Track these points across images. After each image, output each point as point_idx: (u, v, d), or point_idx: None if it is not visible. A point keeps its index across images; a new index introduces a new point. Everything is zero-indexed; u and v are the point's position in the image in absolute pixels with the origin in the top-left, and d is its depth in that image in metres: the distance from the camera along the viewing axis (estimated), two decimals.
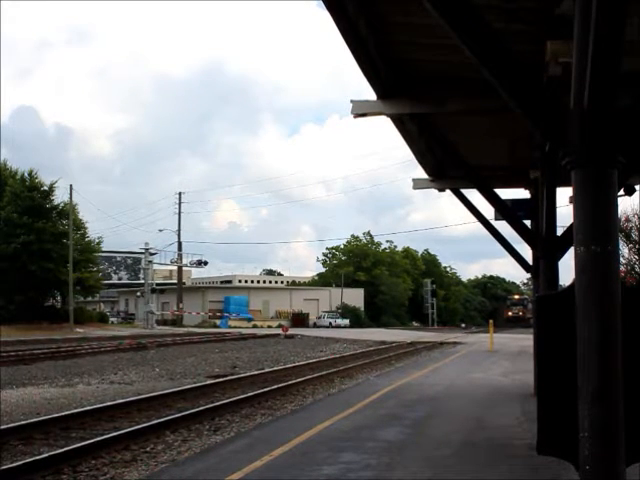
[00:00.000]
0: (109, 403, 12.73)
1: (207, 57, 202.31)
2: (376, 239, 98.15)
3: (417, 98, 9.97)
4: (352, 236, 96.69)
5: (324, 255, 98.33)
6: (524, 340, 33.37)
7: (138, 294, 70.50)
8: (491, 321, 34.70)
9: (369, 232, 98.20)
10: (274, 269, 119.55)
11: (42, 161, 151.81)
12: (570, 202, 12.74)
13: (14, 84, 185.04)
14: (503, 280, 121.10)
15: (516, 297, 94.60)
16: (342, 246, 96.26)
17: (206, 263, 71.41)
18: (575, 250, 3.99)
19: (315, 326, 71.24)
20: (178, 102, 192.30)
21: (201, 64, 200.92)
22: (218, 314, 71.67)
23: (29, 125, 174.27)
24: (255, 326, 66.73)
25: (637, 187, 13.40)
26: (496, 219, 14.38)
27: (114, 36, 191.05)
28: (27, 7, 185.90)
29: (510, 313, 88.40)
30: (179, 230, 73.12)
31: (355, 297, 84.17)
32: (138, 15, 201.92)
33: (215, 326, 65.93)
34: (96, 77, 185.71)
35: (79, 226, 58.58)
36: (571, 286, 4.13)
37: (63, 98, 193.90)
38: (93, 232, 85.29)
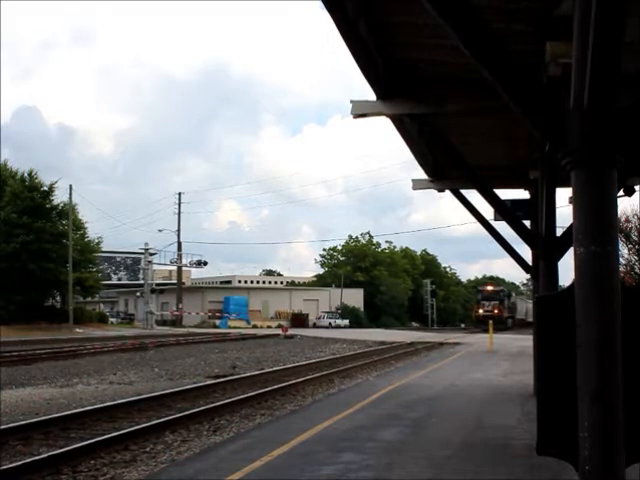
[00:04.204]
0: (109, 403, 12.72)
1: (209, 58, 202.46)
2: (377, 239, 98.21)
3: (417, 98, 9.97)
4: (349, 236, 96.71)
5: (322, 257, 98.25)
6: (524, 341, 33.35)
7: (138, 294, 70.50)
8: (491, 322, 34.67)
9: (368, 232, 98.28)
10: (274, 269, 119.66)
11: (44, 161, 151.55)
12: (570, 202, 12.74)
13: (16, 84, 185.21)
14: (503, 281, 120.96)
15: (489, 289, 72.98)
16: (339, 247, 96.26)
17: (206, 263, 71.48)
18: (575, 250, 4.00)
19: (315, 326, 71.23)
20: (180, 103, 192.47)
21: (203, 65, 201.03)
22: (218, 314, 71.64)
23: (31, 125, 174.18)
24: (255, 326, 66.72)
25: (637, 187, 13.42)
26: (496, 219, 14.38)
27: (117, 36, 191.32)
28: (29, 7, 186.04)
29: (481, 311, 68.27)
30: (179, 230, 73.17)
31: (355, 297, 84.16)
32: (141, 15, 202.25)
33: (215, 326, 65.91)
34: (99, 77, 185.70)
35: (79, 226, 58.60)
36: (571, 286, 4.13)
37: (66, 98, 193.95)
38: (93, 232, 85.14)
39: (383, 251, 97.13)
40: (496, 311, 66.38)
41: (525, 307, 78.32)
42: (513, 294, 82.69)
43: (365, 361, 23.88)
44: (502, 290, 73.92)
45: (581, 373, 3.94)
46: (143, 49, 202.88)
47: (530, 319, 75.50)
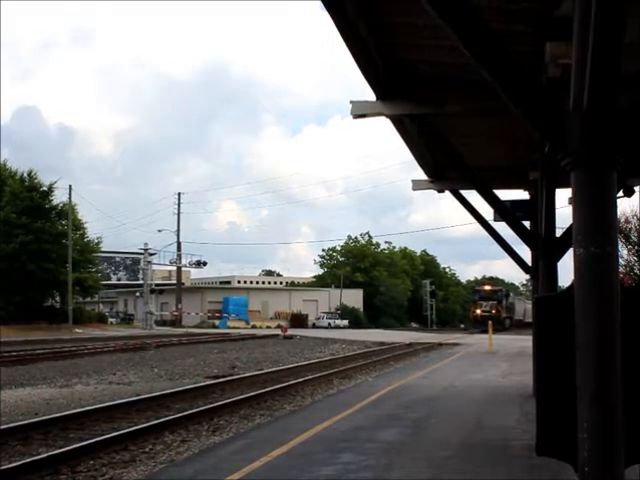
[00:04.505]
0: (108, 403, 12.72)
1: (209, 58, 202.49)
2: (377, 240, 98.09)
3: (416, 99, 9.97)
4: (348, 237, 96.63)
5: (321, 257, 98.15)
6: (523, 341, 33.34)
7: (137, 294, 70.48)
8: (490, 322, 34.63)
9: (367, 233, 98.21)
10: (274, 270, 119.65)
11: (44, 161, 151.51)
12: (569, 203, 12.74)
13: (16, 84, 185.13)
14: (502, 281, 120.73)
15: (487, 288, 72.06)
16: (338, 247, 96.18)
17: (205, 264, 71.41)
18: (574, 251, 4.00)
19: (314, 327, 71.22)
20: (180, 103, 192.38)
21: (203, 65, 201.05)
22: (217, 315, 71.64)
23: (31, 125, 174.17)
24: (254, 327, 66.72)
25: (636, 188, 13.43)
26: (495, 220, 14.37)
27: (117, 36, 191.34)
28: (29, 7, 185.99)
29: (478, 311, 66.76)
30: (178, 230, 73.14)
31: (354, 298, 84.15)
32: (141, 15, 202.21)
33: (214, 327, 65.90)
34: (99, 77, 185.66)
35: (78, 226, 58.61)
36: (570, 287, 4.13)
37: (66, 98, 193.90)
38: (93, 232, 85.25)
39: (382, 251, 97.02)
40: (494, 311, 64.48)
41: (523, 307, 77.40)
42: (511, 294, 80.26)
43: (364, 362, 23.87)
44: (500, 290, 71.98)
45: (580, 374, 3.94)
46: (143, 49, 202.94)
47: (528, 320, 74.38)
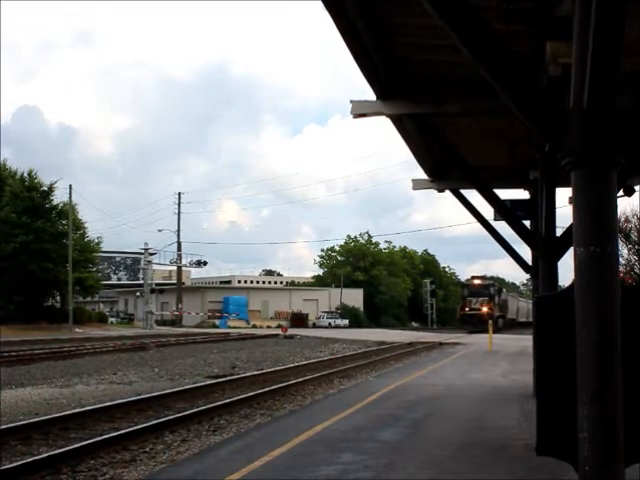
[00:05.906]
0: (108, 403, 12.72)
1: (210, 58, 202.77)
2: (377, 239, 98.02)
3: (416, 99, 9.98)
4: (348, 236, 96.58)
5: (320, 257, 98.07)
6: (524, 341, 33.33)
7: (137, 294, 70.52)
8: (490, 322, 34.64)
9: (367, 232, 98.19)
10: (274, 269, 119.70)
11: (45, 161, 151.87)
12: (570, 203, 12.72)
13: (18, 84, 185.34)
14: (502, 281, 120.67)
15: (477, 282, 62.94)
16: (337, 247, 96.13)
17: (205, 263, 71.44)
18: (574, 251, 4.00)
19: (314, 326, 71.23)
20: (181, 103, 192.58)
21: (204, 65, 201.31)
22: (217, 314, 71.66)
23: (33, 125, 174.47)
24: (254, 326, 66.73)
25: (636, 188, 13.42)
26: (495, 219, 14.37)
27: (117, 36, 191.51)
28: (29, 7, 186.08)
29: (467, 309, 59.76)
30: (178, 230, 73.18)
31: (354, 297, 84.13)
32: (141, 15, 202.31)
33: (214, 326, 65.92)
34: (100, 77, 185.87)
35: (78, 226, 58.60)
36: (570, 287, 4.13)
37: (67, 98, 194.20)
38: (94, 232, 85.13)
39: (381, 251, 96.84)
40: (485, 309, 57.69)
41: (516, 305, 74.46)
42: (504, 290, 72.34)
43: (365, 361, 23.87)
44: (492, 284, 64.50)
45: (581, 373, 3.94)
46: (144, 49, 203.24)
47: (521, 319, 72.48)
